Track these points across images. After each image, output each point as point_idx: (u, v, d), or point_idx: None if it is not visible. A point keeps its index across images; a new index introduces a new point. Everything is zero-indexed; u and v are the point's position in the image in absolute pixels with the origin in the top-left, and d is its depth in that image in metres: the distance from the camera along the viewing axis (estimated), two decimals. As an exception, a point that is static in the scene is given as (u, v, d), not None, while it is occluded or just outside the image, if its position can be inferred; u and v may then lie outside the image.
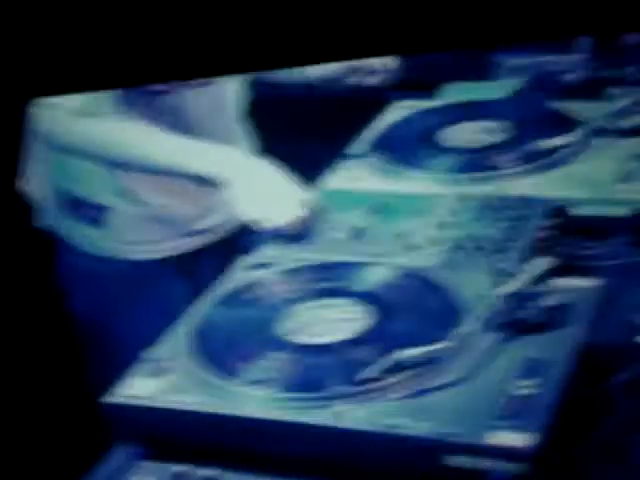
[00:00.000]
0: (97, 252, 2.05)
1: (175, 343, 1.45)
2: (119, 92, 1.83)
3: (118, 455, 1.37)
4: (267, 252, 1.70)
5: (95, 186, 2.01)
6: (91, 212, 2.02)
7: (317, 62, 1.48)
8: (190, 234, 2.06)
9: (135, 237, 2.04)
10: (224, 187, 1.77)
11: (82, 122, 1.83)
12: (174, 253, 2.06)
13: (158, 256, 2.05)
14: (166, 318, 1.51)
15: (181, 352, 1.42)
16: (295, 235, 1.72)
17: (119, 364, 1.42)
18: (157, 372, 1.38)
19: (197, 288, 1.61)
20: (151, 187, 2.00)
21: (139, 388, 1.37)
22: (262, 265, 1.64)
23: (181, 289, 1.97)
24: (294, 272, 1.61)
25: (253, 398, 1.32)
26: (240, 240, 1.84)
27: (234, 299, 1.55)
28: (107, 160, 1.90)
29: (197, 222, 2.06)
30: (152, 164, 1.85)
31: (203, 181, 1.80)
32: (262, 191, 1.77)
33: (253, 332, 1.45)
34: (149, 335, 1.47)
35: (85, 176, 2.00)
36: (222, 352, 1.42)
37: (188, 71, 1.35)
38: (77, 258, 2.07)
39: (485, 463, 1.19)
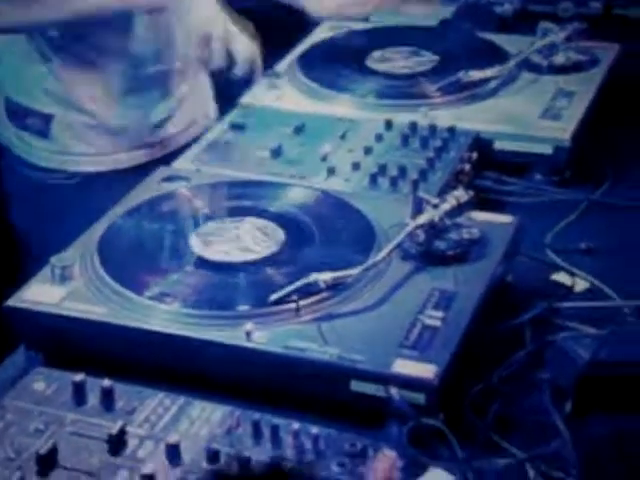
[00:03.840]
0: (43, 164, 2.01)
1: (83, 251, 1.41)
2: None
3: (19, 359, 1.35)
4: (184, 164, 1.67)
5: (37, 93, 1.97)
6: (36, 121, 1.99)
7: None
8: (139, 147, 2.03)
9: (81, 149, 2.00)
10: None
11: None
12: (122, 166, 2.02)
13: (104, 168, 2.01)
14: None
15: (88, 260, 1.39)
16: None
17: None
18: (62, 279, 1.35)
19: None
20: (100, 96, 1.96)
21: (43, 294, 1.33)
22: (178, 177, 1.61)
23: None
24: (210, 187, 1.58)
25: (160, 312, 1.30)
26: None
27: (146, 210, 1.51)
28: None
29: (150, 134, 2.02)
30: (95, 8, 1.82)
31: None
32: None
33: (164, 246, 1.43)
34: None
35: (27, 82, 1.96)
36: (130, 263, 1.39)
37: None
38: (22, 169, 2.03)
39: (389, 390, 1.19)
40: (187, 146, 1.76)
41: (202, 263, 1.38)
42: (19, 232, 2.12)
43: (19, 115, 2.00)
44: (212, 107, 2.18)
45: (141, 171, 1.85)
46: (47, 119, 1.97)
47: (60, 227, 1.87)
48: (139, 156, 2.03)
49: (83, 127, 1.98)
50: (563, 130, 1.73)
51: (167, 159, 1.77)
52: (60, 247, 1.42)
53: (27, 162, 2.03)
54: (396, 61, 1.98)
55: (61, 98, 1.96)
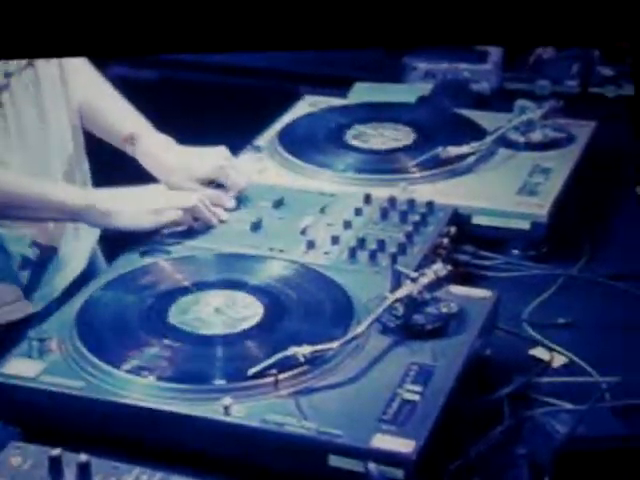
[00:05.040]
0: None
1: (60, 323, 1.41)
2: None
3: (-5, 434, 1.34)
4: (163, 238, 1.67)
5: None
6: None
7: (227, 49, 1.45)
8: None
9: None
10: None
11: None
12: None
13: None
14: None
15: (66, 333, 1.38)
16: (189, 230, 1.69)
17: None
18: (39, 352, 1.35)
19: None
20: None
21: (21, 367, 1.33)
22: (154, 251, 1.61)
23: None
24: (188, 260, 1.59)
25: (138, 386, 1.29)
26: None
27: (122, 283, 1.52)
28: None
29: None
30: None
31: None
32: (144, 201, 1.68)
33: (140, 318, 1.42)
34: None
35: None
36: (108, 336, 1.39)
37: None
38: None
39: (367, 465, 1.18)
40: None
41: (180, 336, 1.38)
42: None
43: None
44: None
45: None
46: None
47: None
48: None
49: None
50: (540, 206, 1.74)
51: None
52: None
53: None
54: (375, 137, 2.00)
55: None
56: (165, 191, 1.74)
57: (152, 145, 1.84)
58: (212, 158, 1.82)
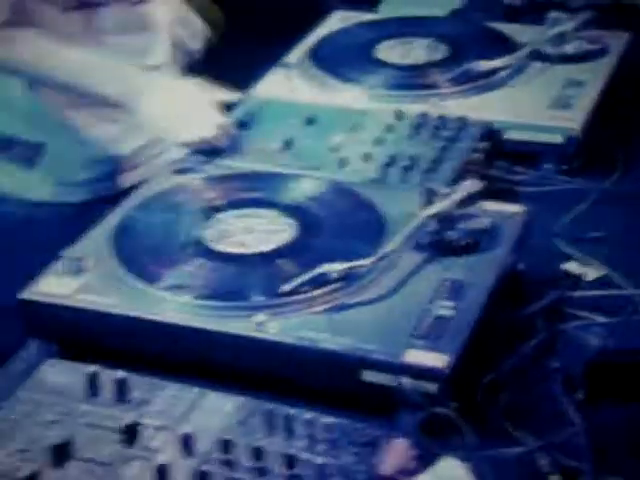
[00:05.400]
0: (29, 196, 1.89)
1: (96, 243, 1.42)
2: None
3: (32, 351, 1.36)
4: (195, 157, 1.67)
5: (25, 122, 1.87)
6: (24, 151, 1.88)
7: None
8: (134, 167, 1.94)
9: (73, 176, 1.90)
10: (133, 108, 1.70)
11: None
12: (116, 191, 1.89)
13: (96, 196, 1.90)
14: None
15: (101, 252, 1.39)
16: (218, 149, 1.68)
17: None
18: (75, 271, 1.36)
19: None
20: (91, 121, 1.88)
21: (56, 286, 1.34)
22: (188, 169, 1.61)
23: None
24: (220, 179, 1.59)
25: (172, 303, 1.31)
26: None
27: (157, 202, 1.52)
28: (22, 76, 1.79)
29: (141, 154, 1.93)
30: (62, 81, 1.75)
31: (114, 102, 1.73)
32: (176, 109, 1.70)
33: (175, 237, 1.43)
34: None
35: (13, 111, 1.88)
36: (142, 255, 1.40)
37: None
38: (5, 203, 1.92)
39: (401, 380, 1.19)
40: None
41: (215, 255, 1.39)
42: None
43: (7, 147, 1.89)
44: None
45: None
46: (35, 148, 1.87)
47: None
48: (132, 178, 1.91)
49: (74, 155, 1.89)
50: (573, 120, 1.73)
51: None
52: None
53: (14, 195, 1.91)
54: (406, 51, 1.98)
55: (50, 126, 1.87)
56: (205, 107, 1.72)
57: None
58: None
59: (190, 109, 1.71)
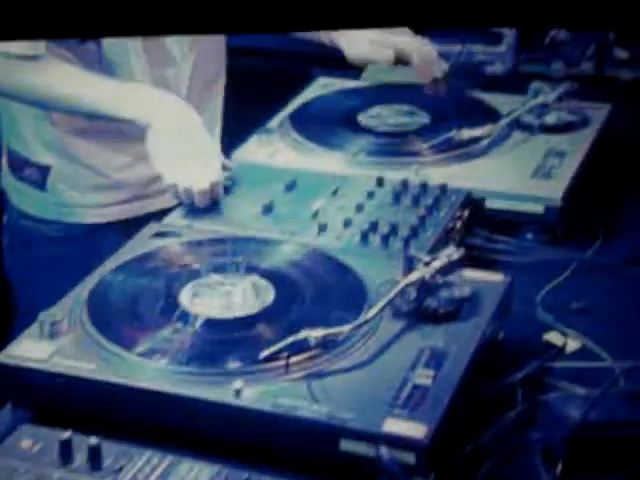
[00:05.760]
0: (38, 214, 1.99)
1: (72, 306, 1.41)
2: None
3: (6, 416, 1.33)
4: (176, 220, 1.67)
5: (35, 144, 1.96)
6: (34, 172, 1.97)
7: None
8: (139, 198, 2.00)
9: (78, 200, 1.98)
10: (146, 133, 1.73)
11: (17, 64, 1.78)
12: (120, 218, 1.99)
13: (103, 220, 1.99)
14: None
15: (77, 316, 1.38)
16: (207, 206, 1.68)
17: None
18: (51, 334, 1.34)
19: None
20: (97, 148, 1.94)
21: (32, 350, 1.32)
22: (168, 233, 1.61)
23: None
24: (200, 243, 1.58)
25: (149, 369, 1.29)
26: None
27: (136, 266, 1.51)
28: (41, 103, 1.85)
29: (148, 185, 1.98)
30: (83, 107, 1.80)
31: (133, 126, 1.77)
32: (181, 149, 1.73)
33: (153, 302, 1.41)
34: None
35: (26, 132, 1.95)
36: (119, 319, 1.38)
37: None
38: (20, 220, 2.02)
39: (379, 450, 1.18)
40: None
41: (192, 319, 1.37)
42: (11, 285, 2.10)
43: (17, 166, 2.00)
44: None
45: (139, 223, 1.83)
46: (44, 171, 1.97)
47: (58, 280, 1.85)
48: (137, 208, 2.00)
49: (80, 179, 1.97)
50: (554, 189, 1.73)
51: (166, 211, 1.75)
52: (51, 301, 1.41)
53: (24, 213, 2.02)
54: (388, 119, 1.98)
55: (59, 150, 1.95)
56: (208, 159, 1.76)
57: None
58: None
59: (194, 152, 1.73)
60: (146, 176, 1.95)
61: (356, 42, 2.09)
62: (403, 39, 2.06)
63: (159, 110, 1.76)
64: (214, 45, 2.03)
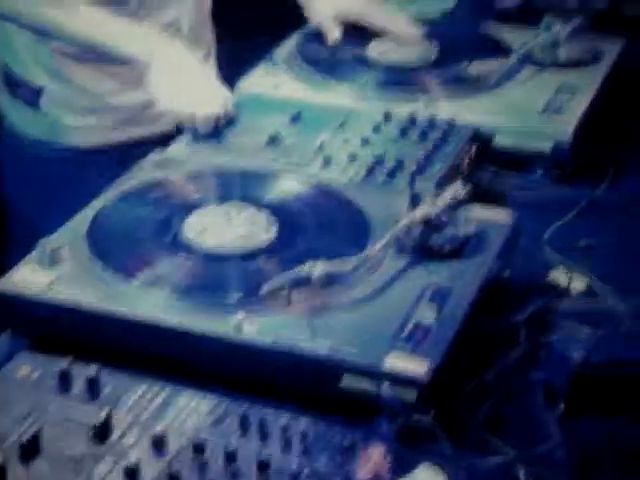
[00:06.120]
0: (32, 134, 1.99)
1: (73, 235, 1.39)
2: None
3: (4, 344, 1.32)
4: (178, 150, 1.65)
5: (30, 64, 1.95)
6: (27, 92, 1.97)
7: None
8: (132, 123, 1.99)
9: (71, 122, 1.97)
10: (146, 70, 1.72)
11: None
12: (112, 142, 1.99)
13: (95, 143, 1.98)
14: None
15: (77, 245, 1.37)
16: (211, 133, 1.67)
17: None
18: (51, 262, 1.33)
19: None
20: (91, 72, 1.93)
21: (31, 277, 1.31)
22: (170, 163, 1.59)
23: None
24: (201, 175, 1.56)
25: (148, 299, 1.28)
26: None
27: (137, 196, 1.49)
28: (41, 28, 1.83)
29: (142, 111, 1.97)
30: (82, 37, 1.80)
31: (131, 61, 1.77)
32: (183, 81, 1.72)
33: (155, 232, 1.40)
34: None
35: (22, 52, 1.94)
36: (119, 250, 1.37)
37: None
38: (12, 138, 2.02)
39: (380, 385, 1.17)
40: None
41: (194, 251, 1.36)
42: (9, 203, 2.10)
43: (13, 84, 1.99)
44: None
45: (135, 148, 1.84)
46: (38, 91, 1.96)
47: (51, 202, 1.87)
48: (133, 132, 2.00)
49: (74, 101, 1.96)
50: (564, 125, 1.71)
51: (163, 137, 1.75)
52: (50, 224, 1.39)
53: (20, 132, 2.01)
54: (397, 52, 1.96)
55: (53, 71, 1.94)
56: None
57: None
58: None
59: (197, 83, 1.73)
60: (140, 101, 1.94)
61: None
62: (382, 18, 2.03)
63: (159, 50, 1.75)
64: None
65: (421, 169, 1.58)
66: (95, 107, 1.97)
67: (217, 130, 1.68)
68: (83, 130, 1.98)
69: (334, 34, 1.99)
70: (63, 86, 1.95)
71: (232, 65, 1.95)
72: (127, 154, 1.68)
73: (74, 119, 1.97)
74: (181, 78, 1.73)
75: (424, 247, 1.36)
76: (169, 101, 1.70)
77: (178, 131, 1.72)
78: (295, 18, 2.10)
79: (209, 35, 2.09)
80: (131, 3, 1.87)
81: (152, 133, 1.95)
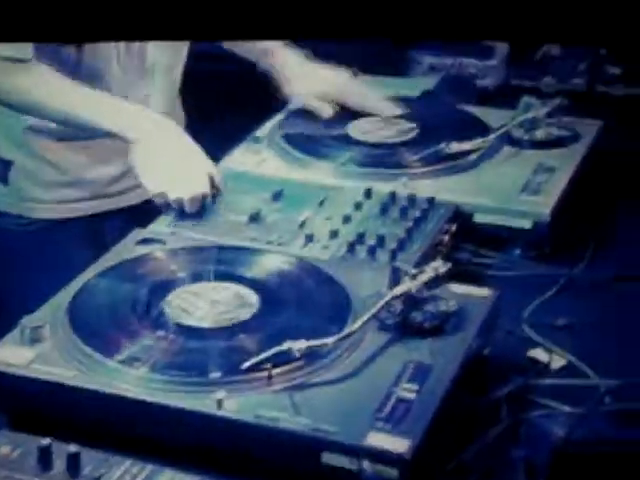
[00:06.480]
0: (2, 208, 2.00)
1: (54, 312, 1.39)
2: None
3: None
4: (161, 227, 1.65)
5: (0, 138, 1.96)
6: None
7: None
8: (100, 196, 2.00)
9: (40, 195, 1.98)
10: (131, 148, 1.73)
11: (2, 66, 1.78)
12: (80, 214, 2.00)
13: (63, 216, 1.99)
14: (63, 282, 1.46)
15: (58, 322, 1.36)
16: (193, 213, 1.67)
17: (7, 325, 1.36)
18: (32, 340, 1.33)
19: (100, 254, 1.56)
20: (61, 147, 1.95)
21: (11, 354, 1.31)
22: (154, 240, 1.59)
23: (84, 253, 1.89)
24: (185, 251, 1.56)
25: (128, 377, 1.27)
26: (153, 208, 1.75)
27: (119, 272, 1.49)
28: (19, 107, 1.85)
29: (110, 185, 1.99)
30: (62, 117, 1.81)
31: (113, 137, 1.77)
32: (168, 160, 1.73)
33: (136, 309, 1.40)
34: (43, 298, 1.42)
35: None
36: (101, 326, 1.37)
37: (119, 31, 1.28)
38: None
39: (361, 464, 1.17)
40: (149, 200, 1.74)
41: (175, 328, 1.36)
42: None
43: None
44: None
45: (105, 220, 1.84)
46: (6, 165, 1.97)
47: (19, 274, 1.86)
48: (99, 206, 2.01)
49: (42, 176, 1.97)
50: (543, 205, 1.72)
51: (133, 209, 1.76)
52: (18, 296, 1.39)
53: None
54: (377, 130, 1.98)
55: (21, 146, 1.95)
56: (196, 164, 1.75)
57: (288, 57, 2.05)
58: (336, 78, 2.04)
59: (184, 163, 1.73)
60: (108, 175, 1.97)
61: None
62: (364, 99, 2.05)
63: (141, 125, 1.76)
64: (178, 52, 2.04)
65: (402, 246, 1.59)
66: (64, 181, 1.98)
67: (200, 210, 1.69)
68: (51, 203, 1.99)
69: (327, 110, 2.01)
70: (32, 160, 1.96)
71: (215, 142, 1.97)
72: (97, 225, 1.68)
73: (42, 193, 1.98)
74: (168, 160, 1.73)
75: (405, 324, 1.37)
76: (158, 186, 1.70)
77: (147, 203, 1.74)
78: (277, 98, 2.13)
79: (180, 113, 2.11)
80: (102, 82, 1.89)
81: (121, 206, 1.99)
